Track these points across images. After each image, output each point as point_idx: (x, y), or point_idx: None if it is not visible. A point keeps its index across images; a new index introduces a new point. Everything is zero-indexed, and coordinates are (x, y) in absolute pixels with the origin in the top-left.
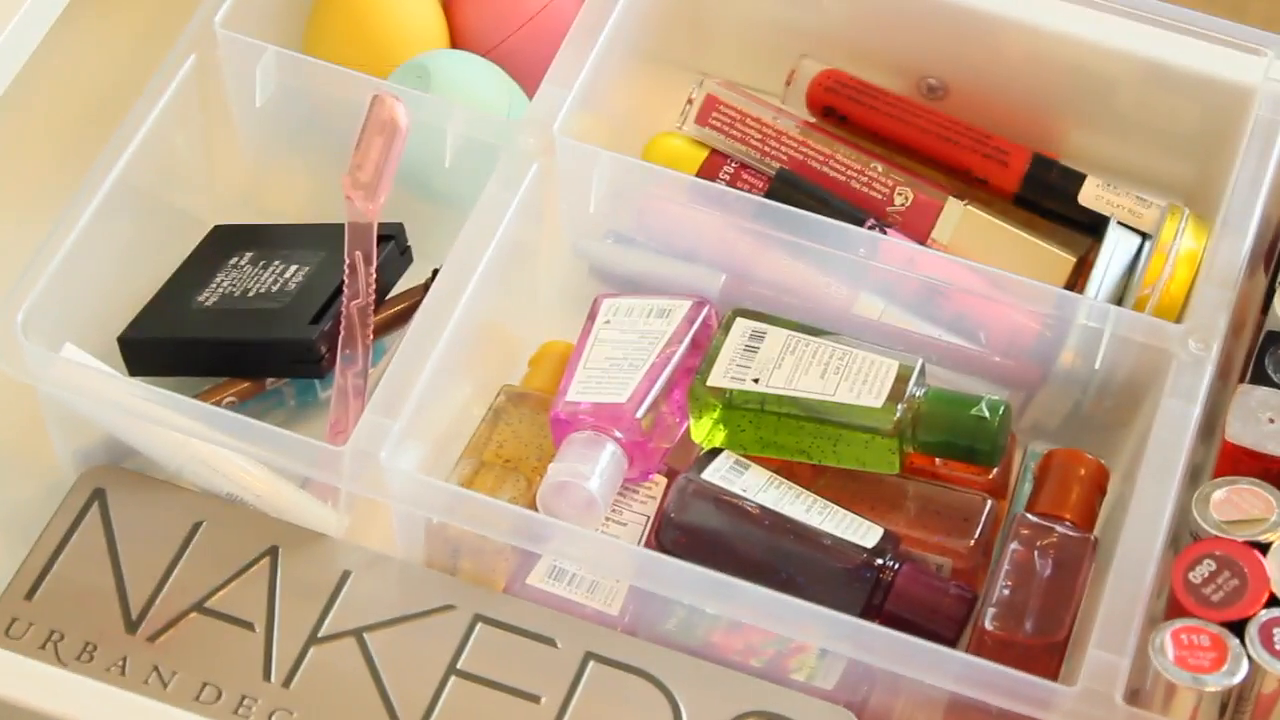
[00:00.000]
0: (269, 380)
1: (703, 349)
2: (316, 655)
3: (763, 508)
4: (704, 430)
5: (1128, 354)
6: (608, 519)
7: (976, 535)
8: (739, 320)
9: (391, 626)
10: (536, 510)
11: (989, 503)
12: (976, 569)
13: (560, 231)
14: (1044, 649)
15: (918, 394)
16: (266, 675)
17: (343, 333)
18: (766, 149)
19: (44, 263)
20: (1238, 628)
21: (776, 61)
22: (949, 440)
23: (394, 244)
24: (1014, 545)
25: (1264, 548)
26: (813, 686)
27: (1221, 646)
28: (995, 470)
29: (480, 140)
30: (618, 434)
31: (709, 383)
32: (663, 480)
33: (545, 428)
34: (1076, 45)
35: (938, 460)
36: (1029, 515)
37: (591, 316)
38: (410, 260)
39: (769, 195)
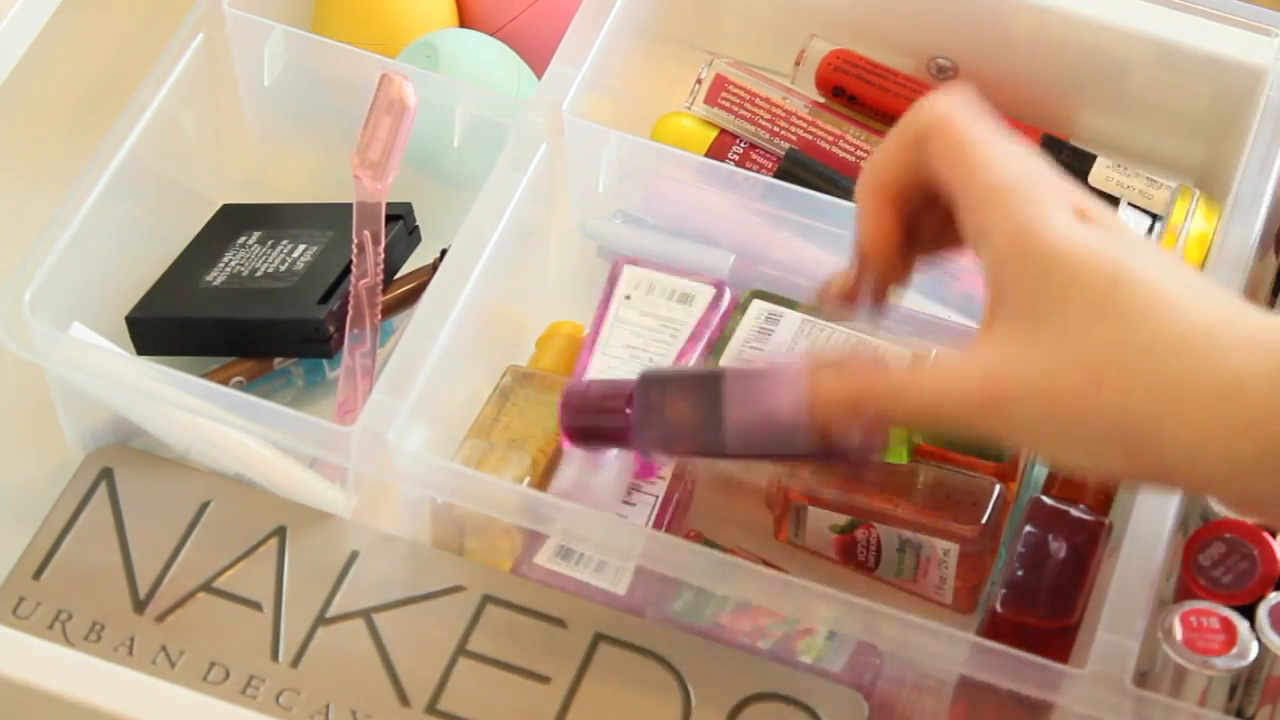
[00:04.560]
0: (277, 360)
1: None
2: (325, 635)
3: None
4: None
5: None
6: None
7: (984, 519)
8: (756, 301)
9: (400, 607)
10: (544, 491)
11: (998, 487)
12: (984, 553)
13: (569, 211)
14: (1056, 632)
15: None
16: (274, 655)
17: (351, 312)
18: (776, 129)
19: (52, 242)
20: (1248, 610)
21: (786, 41)
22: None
23: (402, 224)
24: (1028, 527)
25: (1274, 530)
26: (821, 668)
27: (1231, 629)
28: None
29: (489, 120)
30: None
31: (722, 364)
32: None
33: (551, 408)
34: (1087, 25)
35: None
36: (1044, 498)
37: (612, 280)
38: (418, 240)
39: (778, 175)
